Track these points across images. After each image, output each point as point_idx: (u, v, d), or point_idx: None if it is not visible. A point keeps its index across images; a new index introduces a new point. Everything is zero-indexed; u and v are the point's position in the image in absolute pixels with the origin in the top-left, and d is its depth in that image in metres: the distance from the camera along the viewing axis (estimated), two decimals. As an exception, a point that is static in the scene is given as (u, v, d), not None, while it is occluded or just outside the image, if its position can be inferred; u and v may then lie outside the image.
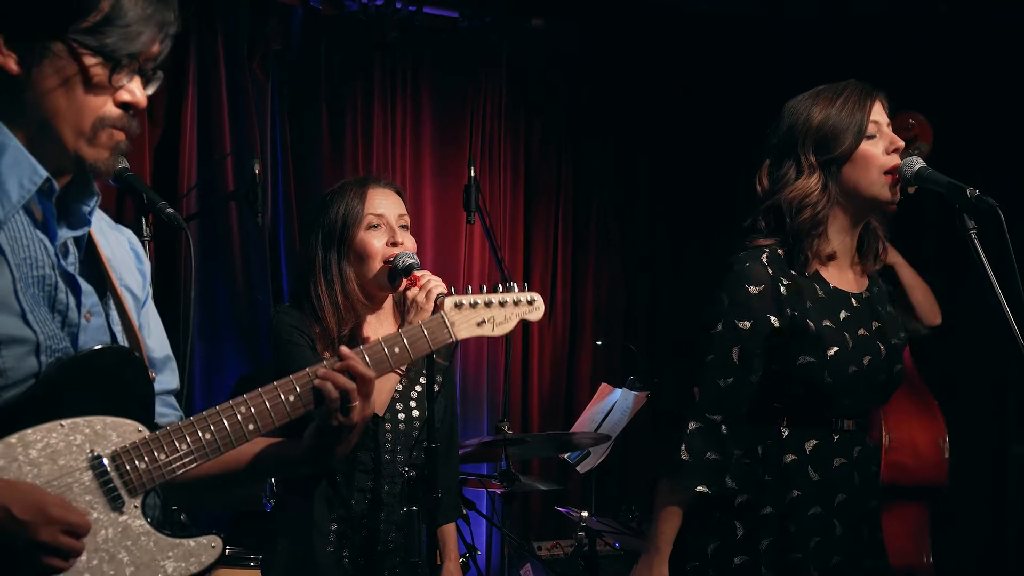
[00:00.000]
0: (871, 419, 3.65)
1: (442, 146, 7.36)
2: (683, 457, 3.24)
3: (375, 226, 3.72)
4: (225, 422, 2.39)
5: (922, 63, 6.41)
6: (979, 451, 5.93)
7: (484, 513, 5.61)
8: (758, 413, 3.32)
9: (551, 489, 5.95)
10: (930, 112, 4.66)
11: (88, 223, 2.36)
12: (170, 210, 3.09)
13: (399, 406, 3.80)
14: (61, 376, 2.22)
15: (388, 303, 3.82)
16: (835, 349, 3.27)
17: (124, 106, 2.25)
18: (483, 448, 5.35)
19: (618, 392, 6.24)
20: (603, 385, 6.47)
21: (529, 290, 2.90)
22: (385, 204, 3.77)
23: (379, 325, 3.78)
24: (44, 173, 2.22)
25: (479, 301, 2.80)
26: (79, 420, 2.23)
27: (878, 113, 3.36)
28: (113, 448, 2.26)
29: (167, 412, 2.58)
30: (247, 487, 3.57)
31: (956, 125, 6.02)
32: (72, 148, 2.23)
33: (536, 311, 2.91)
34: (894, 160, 3.30)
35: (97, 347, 2.29)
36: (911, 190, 4.69)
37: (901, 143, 3.34)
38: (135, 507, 2.28)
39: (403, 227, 3.78)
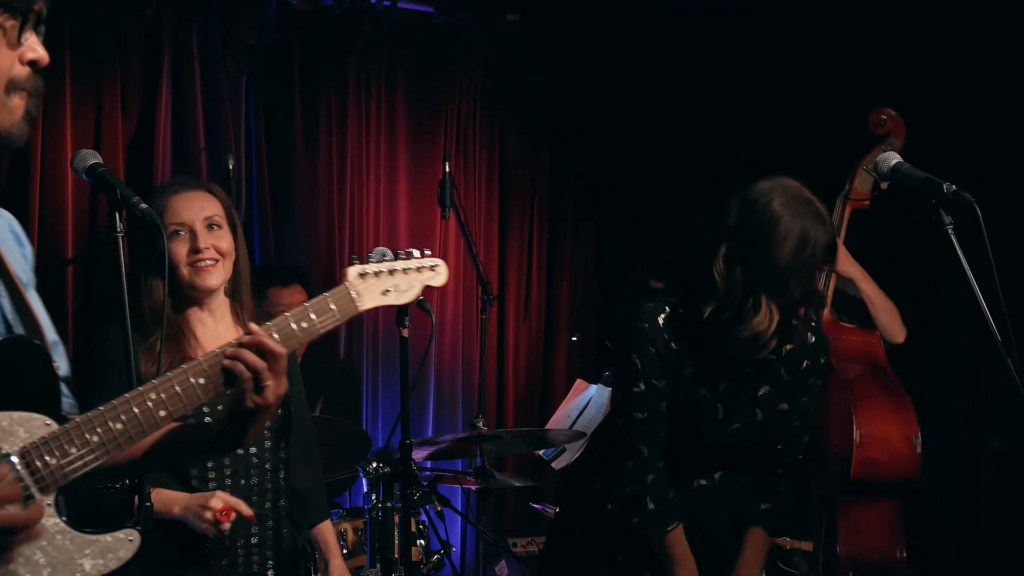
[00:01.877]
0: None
1: (417, 141, 7.34)
2: (651, 507, 3.47)
3: (177, 233, 3.59)
4: (136, 410, 2.28)
5: (911, 60, 6.40)
6: (955, 447, 5.95)
7: (459, 509, 5.59)
8: None
9: (526, 486, 5.94)
10: (920, 109, 4.66)
11: None
12: (144, 206, 3.05)
13: None
14: None
15: (222, 302, 3.72)
16: (699, 419, 3.49)
17: (30, 64, 2.17)
18: (458, 444, 5.34)
19: (593, 388, 6.24)
20: (578, 381, 6.46)
21: (433, 256, 2.90)
22: (187, 209, 3.62)
23: (215, 325, 3.69)
24: None
25: (383, 269, 2.75)
26: None
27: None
28: (22, 445, 2.15)
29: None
30: (156, 472, 3.45)
31: (943, 122, 6.04)
32: None
33: (439, 276, 2.88)
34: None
35: None
36: (884, 186, 4.71)
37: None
38: (48, 505, 2.19)
39: (213, 227, 3.63)
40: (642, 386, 3.46)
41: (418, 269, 2.83)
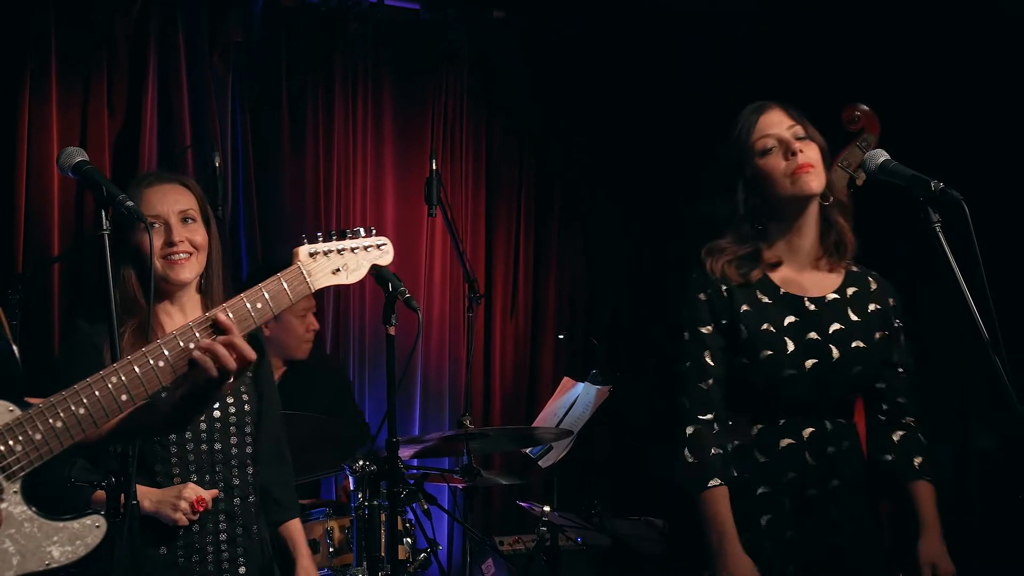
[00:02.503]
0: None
1: (403, 139, 7.33)
2: (690, 460, 3.39)
3: (152, 226, 3.55)
4: (98, 394, 2.29)
5: (909, 60, 6.40)
6: (943, 445, 5.95)
7: (445, 508, 5.58)
8: None
9: (513, 484, 5.93)
10: (918, 109, 4.63)
11: None
12: (130, 203, 3.04)
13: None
14: None
15: (192, 296, 3.70)
16: (768, 353, 3.41)
17: None
18: (444, 442, 5.32)
19: (580, 386, 6.23)
20: (565, 379, 6.46)
21: (378, 235, 2.91)
22: (161, 202, 3.63)
23: (184, 319, 3.63)
24: None
25: (333, 248, 2.78)
26: None
27: (769, 126, 3.51)
28: None
29: None
30: (102, 453, 3.44)
31: (941, 121, 6.04)
32: None
33: (386, 255, 2.91)
34: (794, 164, 3.42)
35: None
36: (860, 182, 4.70)
37: (797, 145, 3.44)
38: (15, 492, 2.19)
39: (187, 220, 3.64)
40: (686, 335, 3.47)
41: (366, 248, 2.86)
